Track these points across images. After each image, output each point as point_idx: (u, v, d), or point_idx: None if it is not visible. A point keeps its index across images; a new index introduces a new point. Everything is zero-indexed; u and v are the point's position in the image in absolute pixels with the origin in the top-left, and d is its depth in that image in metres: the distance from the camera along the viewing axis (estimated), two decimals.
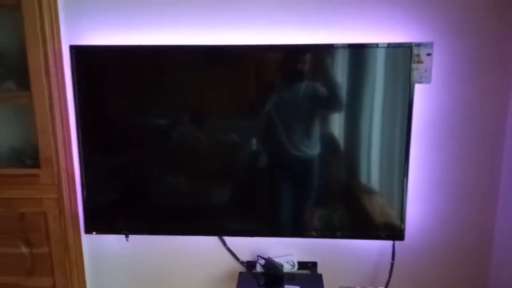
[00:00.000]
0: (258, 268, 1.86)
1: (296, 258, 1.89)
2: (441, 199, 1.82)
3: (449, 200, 1.82)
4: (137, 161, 1.79)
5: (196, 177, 1.79)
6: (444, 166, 1.79)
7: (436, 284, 1.91)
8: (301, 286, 1.77)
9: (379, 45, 1.60)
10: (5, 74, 1.72)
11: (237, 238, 1.91)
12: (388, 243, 1.84)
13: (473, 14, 1.66)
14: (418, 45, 1.60)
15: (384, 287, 1.89)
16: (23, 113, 1.77)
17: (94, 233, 1.85)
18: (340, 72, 1.65)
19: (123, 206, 1.83)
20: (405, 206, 1.71)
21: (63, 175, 1.74)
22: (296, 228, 1.81)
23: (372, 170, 1.73)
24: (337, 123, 1.70)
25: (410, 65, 1.61)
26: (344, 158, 1.74)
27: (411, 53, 1.60)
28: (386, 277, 1.87)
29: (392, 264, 1.85)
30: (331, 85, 1.65)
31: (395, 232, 1.74)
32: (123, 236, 1.87)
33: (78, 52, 1.68)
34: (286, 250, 1.91)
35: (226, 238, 1.92)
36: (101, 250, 1.97)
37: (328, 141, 1.71)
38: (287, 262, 1.87)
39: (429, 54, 1.60)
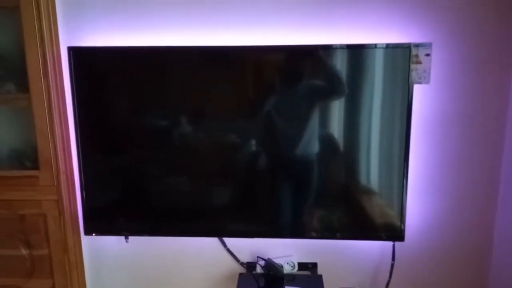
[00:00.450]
0: (258, 269, 1.86)
1: (296, 259, 1.89)
2: (441, 199, 1.82)
3: (449, 200, 1.82)
4: (137, 162, 1.79)
5: (196, 178, 1.79)
6: (444, 166, 1.79)
7: (436, 284, 1.90)
8: (301, 287, 1.77)
9: (378, 46, 1.60)
10: (5, 76, 1.72)
11: (237, 239, 1.91)
12: (388, 244, 1.83)
13: (471, 14, 1.66)
14: (417, 45, 1.60)
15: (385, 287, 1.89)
16: (23, 115, 1.77)
17: (93, 234, 1.84)
18: (339, 72, 1.64)
19: (122, 207, 1.83)
20: (405, 207, 1.71)
21: (63, 176, 1.75)
22: (296, 229, 1.81)
23: (372, 171, 1.73)
24: (336, 124, 1.70)
25: (409, 66, 1.61)
26: (343, 158, 1.74)
27: (409, 53, 1.60)
28: (387, 277, 1.87)
29: (392, 265, 1.85)
30: (330, 86, 1.65)
31: (395, 232, 1.74)
32: (123, 238, 1.87)
33: (76, 53, 1.68)
34: (286, 251, 1.91)
35: (226, 239, 1.92)
36: (101, 251, 1.97)
37: (327, 141, 1.71)
38: (287, 263, 1.87)
39: (427, 55, 1.60)
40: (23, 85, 1.67)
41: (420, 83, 1.63)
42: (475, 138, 1.76)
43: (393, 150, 1.68)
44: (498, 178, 1.79)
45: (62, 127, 1.73)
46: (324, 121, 1.70)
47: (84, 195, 1.78)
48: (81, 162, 1.76)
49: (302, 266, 1.90)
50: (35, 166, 1.72)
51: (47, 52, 1.64)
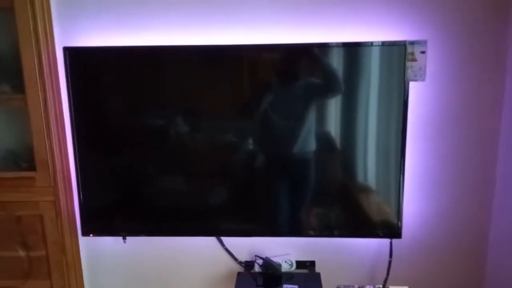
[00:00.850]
0: (256, 268, 1.86)
1: (294, 258, 1.90)
2: (437, 196, 1.83)
3: (445, 198, 1.83)
4: (133, 162, 1.78)
5: (193, 177, 1.79)
6: (440, 164, 1.80)
7: (433, 281, 1.91)
8: (299, 285, 1.77)
9: (374, 44, 1.61)
10: (0, 76, 1.71)
11: (235, 238, 1.91)
12: (385, 241, 1.84)
13: (467, 12, 1.67)
14: (412, 43, 1.60)
15: (382, 285, 1.89)
16: (18, 116, 1.77)
17: (91, 235, 1.84)
18: (335, 70, 1.64)
19: (120, 207, 1.83)
20: (402, 204, 1.71)
21: (59, 177, 1.74)
22: (293, 228, 1.81)
23: (369, 169, 1.73)
24: (333, 122, 1.70)
25: (405, 63, 1.61)
26: (340, 156, 1.74)
27: (405, 51, 1.60)
28: (384, 275, 1.87)
29: (389, 262, 1.85)
30: (327, 84, 1.66)
31: (392, 230, 1.75)
32: (120, 238, 1.86)
33: (72, 53, 1.67)
34: (284, 250, 1.91)
35: (223, 239, 1.92)
36: (99, 252, 1.97)
37: (324, 139, 1.71)
38: (285, 262, 1.88)
39: (423, 52, 1.60)
40: (18, 85, 1.66)
41: (415, 80, 1.63)
42: (471, 136, 1.77)
43: (389, 147, 1.69)
44: (494, 176, 1.80)
45: (58, 127, 1.73)
46: (321, 119, 1.71)
47: (81, 195, 1.78)
48: (77, 163, 1.75)
49: (300, 264, 1.90)
50: (32, 167, 1.72)
51: (42, 52, 1.63)
